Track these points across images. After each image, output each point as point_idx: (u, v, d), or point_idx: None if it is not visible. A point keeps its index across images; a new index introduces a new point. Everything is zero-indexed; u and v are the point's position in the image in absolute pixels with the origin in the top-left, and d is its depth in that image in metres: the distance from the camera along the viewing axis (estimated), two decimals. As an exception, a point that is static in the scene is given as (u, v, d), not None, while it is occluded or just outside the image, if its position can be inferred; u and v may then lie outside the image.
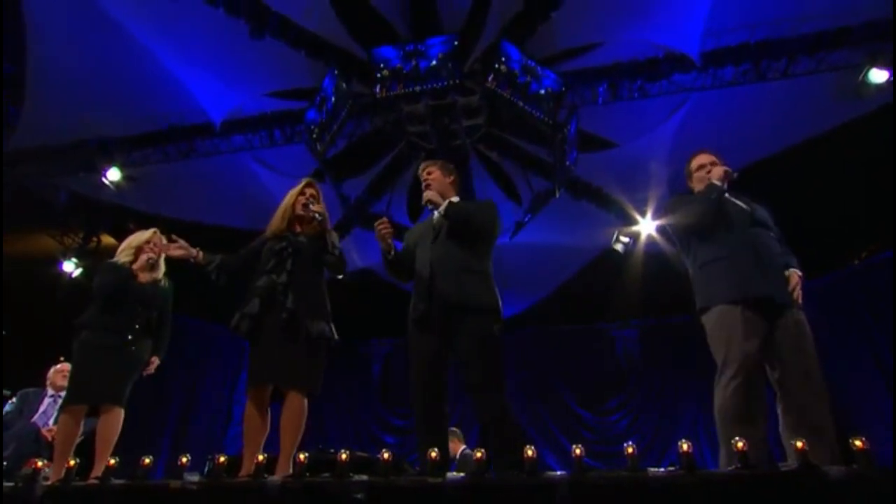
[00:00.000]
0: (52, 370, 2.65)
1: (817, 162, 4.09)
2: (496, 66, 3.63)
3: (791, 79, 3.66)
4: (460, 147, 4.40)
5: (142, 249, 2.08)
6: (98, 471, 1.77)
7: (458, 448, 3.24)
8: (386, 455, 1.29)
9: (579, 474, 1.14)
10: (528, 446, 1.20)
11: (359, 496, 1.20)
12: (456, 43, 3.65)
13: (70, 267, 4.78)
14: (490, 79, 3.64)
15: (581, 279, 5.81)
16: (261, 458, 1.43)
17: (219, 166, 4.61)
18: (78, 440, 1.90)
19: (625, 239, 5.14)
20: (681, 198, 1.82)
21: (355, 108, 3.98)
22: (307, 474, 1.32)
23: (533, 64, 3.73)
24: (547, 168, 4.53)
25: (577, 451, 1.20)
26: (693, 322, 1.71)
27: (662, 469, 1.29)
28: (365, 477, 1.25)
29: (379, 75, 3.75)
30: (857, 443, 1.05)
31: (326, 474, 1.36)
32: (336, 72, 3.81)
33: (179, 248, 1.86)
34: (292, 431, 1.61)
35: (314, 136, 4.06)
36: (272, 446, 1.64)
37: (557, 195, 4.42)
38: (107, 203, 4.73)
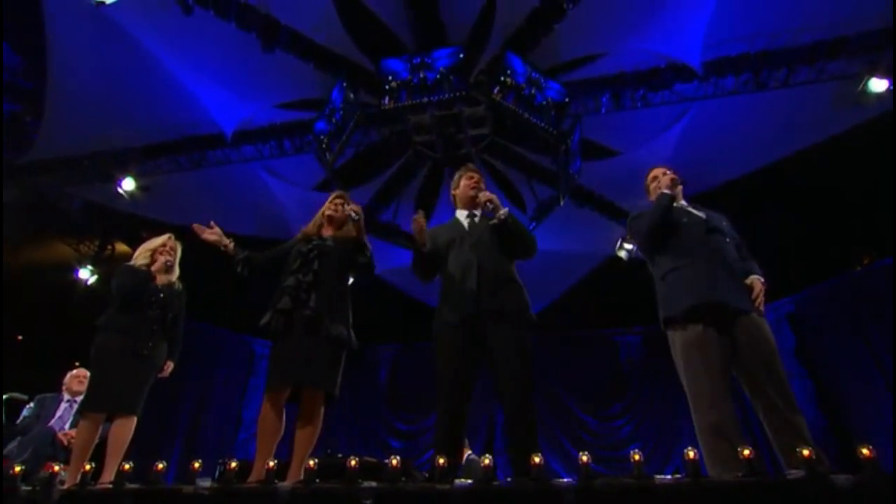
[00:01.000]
0: (68, 376, 2.70)
1: (818, 169, 4.10)
2: (501, 77, 3.71)
3: (791, 88, 3.69)
4: (466, 156, 4.46)
5: (158, 252, 2.12)
6: (108, 476, 1.80)
7: (464, 453, 3.24)
8: (394, 461, 1.31)
9: (586, 481, 1.14)
10: (528, 452, 1.21)
11: (368, 502, 1.22)
12: (461, 55, 3.73)
13: (86, 274, 4.89)
14: (495, 91, 3.71)
15: (585, 286, 5.81)
16: (271, 464, 1.45)
17: (230, 176, 4.70)
18: (94, 445, 1.94)
19: (628, 246, 5.15)
20: (638, 214, 1.85)
21: (363, 119, 4.06)
22: (317, 480, 1.34)
23: (537, 75, 3.80)
24: (551, 176, 4.58)
25: (584, 458, 1.19)
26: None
27: (668, 476, 1.29)
28: (374, 483, 1.26)
29: (387, 87, 3.84)
30: (864, 451, 1.04)
31: (335, 480, 1.38)
32: (344, 83, 3.89)
33: (213, 234, 1.88)
34: (309, 438, 1.64)
35: (323, 145, 4.14)
36: (284, 447, 1.66)
37: (562, 203, 4.46)
38: (121, 212, 4.84)
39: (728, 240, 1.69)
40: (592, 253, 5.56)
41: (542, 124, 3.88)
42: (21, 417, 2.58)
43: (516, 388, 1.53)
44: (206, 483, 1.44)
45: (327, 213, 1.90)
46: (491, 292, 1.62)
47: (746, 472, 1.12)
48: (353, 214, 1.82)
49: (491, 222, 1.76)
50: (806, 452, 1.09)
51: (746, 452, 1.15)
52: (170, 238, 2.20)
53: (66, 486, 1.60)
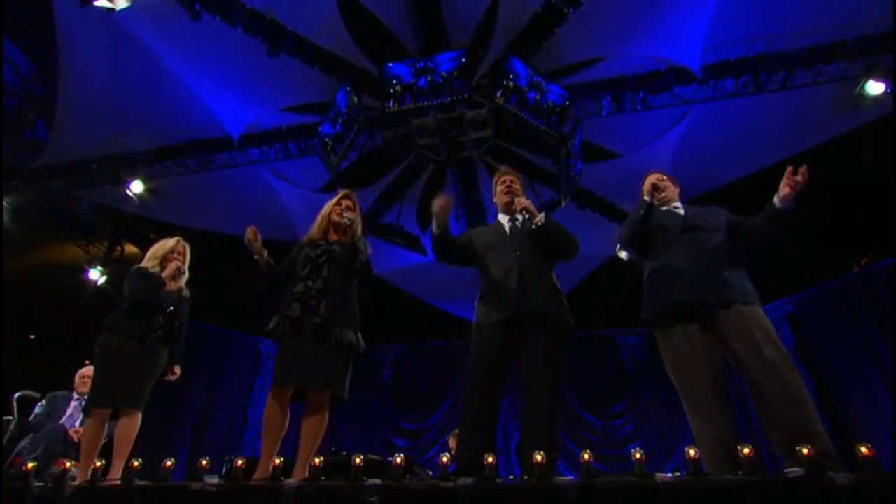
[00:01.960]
0: (77, 375, 2.76)
1: (817, 170, 4.10)
2: (503, 81, 3.74)
3: (790, 91, 3.71)
4: (468, 159, 4.49)
5: (167, 259, 2.14)
6: (116, 472, 1.82)
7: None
8: (398, 459, 1.33)
9: (588, 479, 1.15)
10: (537, 451, 1.23)
11: (372, 499, 1.23)
12: (464, 60, 3.76)
13: (95, 275, 4.96)
14: (497, 94, 3.75)
15: (587, 286, 5.82)
16: (277, 461, 1.48)
17: (236, 178, 4.76)
18: (103, 441, 1.97)
19: (630, 247, 5.14)
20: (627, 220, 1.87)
21: (366, 122, 4.11)
22: (322, 477, 1.36)
23: (539, 79, 3.83)
24: (553, 178, 4.60)
25: (586, 457, 1.20)
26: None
27: (669, 474, 1.30)
28: (378, 481, 1.28)
29: (391, 91, 3.88)
30: (863, 450, 1.05)
31: (340, 478, 1.40)
32: (348, 87, 3.93)
33: (255, 241, 1.84)
34: (314, 436, 1.66)
35: (327, 148, 4.18)
36: (289, 444, 1.67)
37: (563, 205, 4.47)
38: (130, 214, 4.91)
39: (710, 234, 1.66)
40: (594, 254, 5.56)
41: (544, 127, 3.91)
42: (33, 415, 2.63)
43: (545, 393, 1.55)
44: (213, 480, 1.46)
45: (334, 218, 1.92)
46: (531, 296, 1.64)
47: (746, 470, 1.13)
48: (346, 220, 1.86)
49: (530, 227, 1.77)
50: (805, 451, 1.10)
51: (746, 451, 1.16)
52: (178, 242, 2.22)
53: (76, 483, 1.64)
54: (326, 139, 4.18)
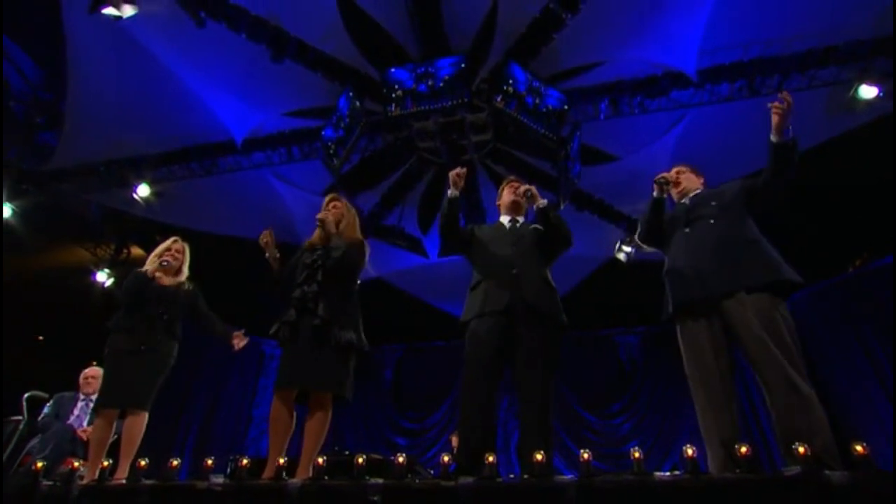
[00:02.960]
0: (81, 376, 2.79)
1: (814, 170, 4.13)
2: (503, 85, 3.78)
3: (785, 94, 3.76)
4: (469, 162, 4.53)
5: (163, 257, 2.18)
6: (122, 471, 1.85)
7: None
8: (401, 458, 1.35)
9: (587, 478, 1.16)
10: (537, 450, 1.25)
11: (375, 498, 1.25)
12: (464, 65, 3.81)
13: (102, 277, 5.03)
14: (497, 98, 3.79)
15: (586, 287, 5.85)
16: (282, 461, 1.50)
17: (240, 182, 4.81)
18: (111, 440, 2.01)
19: (627, 248, 5.19)
20: None
21: (368, 126, 4.15)
22: (325, 477, 1.37)
23: (537, 83, 3.88)
24: (552, 181, 4.63)
25: (585, 456, 1.21)
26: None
27: (668, 473, 1.31)
28: (380, 480, 1.29)
29: (392, 95, 3.93)
30: (858, 448, 1.06)
31: (343, 477, 1.42)
32: (351, 92, 3.98)
33: (269, 244, 1.92)
34: (316, 436, 1.69)
35: (330, 152, 4.23)
36: (293, 445, 1.71)
37: (562, 207, 4.51)
38: (136, 217, 4.96)
39: (713, 220, 1.60)
40: (593, 256, 5.59)
41: (543, 130, 3.95)
42: (41, 415, 2.67)
43: (538, 389, 1.57)
44: (218, 479, 1.48)
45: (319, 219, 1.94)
46: (526, 289, 1.66)
47: (744, 468, 1.15)
48: (317, 222, 1.90)
49: (535, 206, 1.81)
50: (801, 450, 1.12)
51: (744, 450, 1.18)
52: (175, 241, 2.27)
53: (84, 482, 1.67)
54: (329, 143, 4.23)
